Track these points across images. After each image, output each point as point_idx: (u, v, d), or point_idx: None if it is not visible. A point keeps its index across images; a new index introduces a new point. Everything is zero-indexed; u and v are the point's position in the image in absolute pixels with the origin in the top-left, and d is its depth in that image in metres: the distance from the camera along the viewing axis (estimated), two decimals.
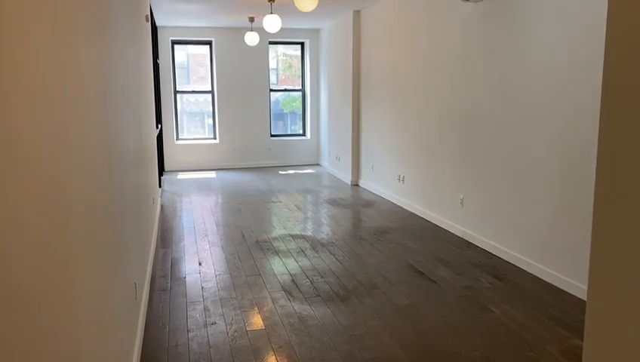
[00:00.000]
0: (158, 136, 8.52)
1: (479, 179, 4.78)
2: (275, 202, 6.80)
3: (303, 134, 10.41)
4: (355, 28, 7.69)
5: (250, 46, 9.18)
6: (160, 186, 7.72)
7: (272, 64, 10.52)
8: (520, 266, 4.21)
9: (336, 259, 4.49)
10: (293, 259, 4.48)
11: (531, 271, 4.08)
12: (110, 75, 2.44)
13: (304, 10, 4.66)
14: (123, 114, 2.95)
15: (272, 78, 10.49)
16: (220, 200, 6.93)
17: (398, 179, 6.52)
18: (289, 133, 10.51)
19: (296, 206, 6.55)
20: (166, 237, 5.24)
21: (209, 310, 3.46)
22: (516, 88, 4.20)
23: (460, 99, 5.06)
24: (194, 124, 10.33)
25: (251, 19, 8.13)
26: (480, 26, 4.68)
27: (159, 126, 8.33)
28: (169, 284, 3.95)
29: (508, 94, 4.32)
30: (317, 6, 7.16)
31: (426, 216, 5.80)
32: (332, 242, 4.98)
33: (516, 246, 4.28)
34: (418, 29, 5.87)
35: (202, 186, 8.01)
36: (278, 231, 5.43)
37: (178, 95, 9.80)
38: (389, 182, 6.82)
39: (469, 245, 4.84)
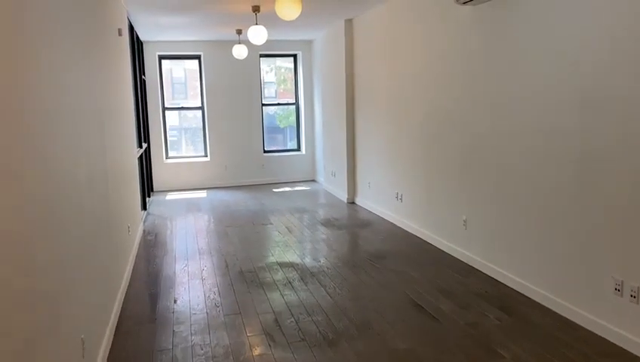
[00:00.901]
0: (145, 156, 8.14)
1: (484, 200, 4.35)
2: (265, 224, 6.38)
3: (298, 149, 10.02)
4: (347, 37, 7.31)
5: (240, 60, 8.82)
6: (145, 209, 7.31)
7: (269, 77, 10.16)
8: (530, 296, 3.77)
9: (327, 291, 4.05)
10: (278, 293, 4.04)
11: (543, 302, 3.64)
12: (44, 95, 2.04)
13: (286, 18, 4.28)
14: (68, 138, 2.55)
15: (270, 92, 10.12)
16: (207, 223, 6.51)
17: (397, 198, 6.09)
18: (283, 148, 10.11)
19: (287, 228, 6.13)
20: (142, 270, 4.81)
21: (177, 361, 3.02)
22: (520, 99, 3.79)
23: (460, 111, 4.65)
24: (186, 141, 9.94)
25: (239, 32, 7.76)
26: (478, 31, 4.28)
27: (144, 145, 7.95)
28: (137, 327, 3.51)
29: (511, 105, 3.91)
30: (307, 16, 6.81)
31: (426, 238, 5.36)
32: (323, 271, 4.55)
33: (525, 274, 3.84)
34: (413, 37, 5.48)
35: (190, 207, 7.60)
36: (265, 258, 5.01)
37: (168, 112, 9.42)
38: (387, 201, 6.40)
39: (473, 271, 4.40)
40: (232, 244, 5.50)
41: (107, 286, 3.43)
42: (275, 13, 6.20)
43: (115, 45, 4.89)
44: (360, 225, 6.21)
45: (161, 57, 9.13)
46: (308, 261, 4.86)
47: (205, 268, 4.73)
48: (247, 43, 8.37)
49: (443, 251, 4.99)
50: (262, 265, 4.76)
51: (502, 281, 4.10)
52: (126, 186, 5.07)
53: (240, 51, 7.64)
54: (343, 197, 7.72)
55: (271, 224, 6.38)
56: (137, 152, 6.80)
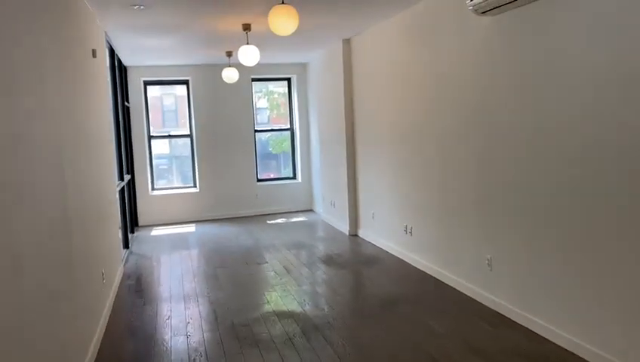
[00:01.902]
0: (129, 188, 7.53)
1: (512, 235, 3.76)
2: (260, 263, 5.73)
3: (294, 177, 9.43)
4: (345, 59, 6.81)
5: (231, 84, 8.29)
6: (127, 247, 6.66)
7: (262, 103, 9.65)
8: (576, 352, 3.15)
9: (334, 350, 3.42)
10: (277, 355, 3.39)
11: (592, 360, 3.02)
12: None
13: (281, 33, 3.74)
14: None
15: (263, 117, 9.59)
16: (194, 264, 5.86)
17: (405, 231, 5.49)
18: (278, 176, 9.52)
19: (284, 267, 5.49)
20: (118, 327, 4.15)
21: None
22: (550, 118, 3.24)
23: (480, 135, 4.09)
24: (175, 171, 9.34)
25: (229, 54, 7.25)
26: (501, 44, 3.76)
27: (127, 176, 7.33)
28: None
29: (540, 125, 3.35)
30: (302, 36, 6.30)
31: (442, 278, 4.75)
32: (328, 322, 3.91)
33: (567, 324, 3.23)
34: (422, 54, 4.96)
35: (177, 245, 6.95)
36: (260, 306, 4.36)
37: (154, 140, 8.83)
38: (394, 234, 5.79)
39: (503, 321, 3.78)
40: (222, 289, 4.86)
41: (67, 357, 2.78)
42: (267, 32, 5.68)
43: (89, 68, 4.32)
44: (365, 263, 5.59)
45: (146, 83, 8.59)
46: (310, 309, 4.23)
47: (191, 321, 4.08)
48: (237, 66, 7.85)
49: (463, 294, 4.37)
50: (257, 316, 4.11)
51: (541, 334, 3.48)
52: (102, 225, 4.45)
53: (230, 74, 7.11)
54: (344, 229, 7.11)
55: (266, 263, 5.74)
56: (119, 185, 6.19)
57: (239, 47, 5.53)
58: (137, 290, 5.01)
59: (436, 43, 4.66)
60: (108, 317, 4.22)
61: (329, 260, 5.72)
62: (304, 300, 4.48)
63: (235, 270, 5.50)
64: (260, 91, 9.64)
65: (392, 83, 5.61)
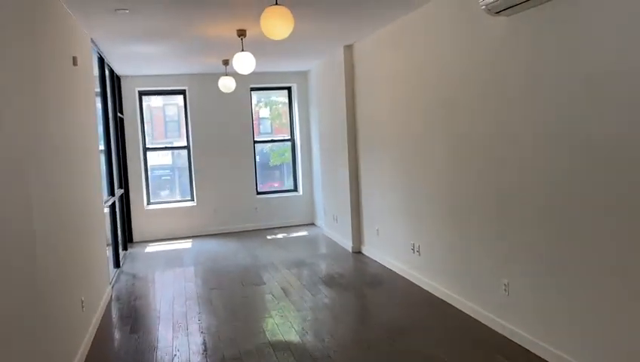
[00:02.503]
0: (122, 202, 7.20)
1: (532, 257, 3.38)
2: (257, 285, 5.36)
3: (295, 189, 9.07)
4: (347, 65, 6.47)
5: (229, 93, 7.96)
6: (118, 266, 6.30)
7: (262, 112, 9.32)
8: None
9: None
10: None
11: None
12: None
13: (275, 37, 3.40)
14: None
15: (266, 128, 9.27)
16: (188, 285, 5.49)
17: (413, 250, 5.11)
18: (278, 188, 9.16)
19: (283, 289, 5.11)
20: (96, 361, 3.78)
21: None
22: (575, 128, 2.88)
23: (496, 144, 3.73)
24: (172, 184, 9.00)
25: (225, 62, 6.93)
26: (517, 45, 3.40)
27: (120, 190, 6.99)
28: None
29: (564, 136, 2.99)
30: (301, 43, 5.98)
31: (456, 303, 4.36)
32: (328, 356, 3.53)
33: (597, 359, 2.84)
34: (430, 58, 4.61)
35: (172, 262, 6.59)
36: (255, 336, 3.98)
37: (150, 152, 8.51)
38: (401, 252, 5.41)
39: (523, 353, 3.39)
40: (215, 315, 4.49)
41: None
42: (264, 38, 5.35)
43: (68, 76, 3.99)
44: (370, 284, 5.20)
45: (141, 93, 8.27)
46: (309, 340, 3.84)
47: (178, 354, 3.70)
48: (235, 75, 7.53)
49: (478, 322, 3.98)
50: (250, 348, 3.73)
51: None
52: (83, 245, 4.11)
53: (227, 83, 6.78)
54: (347, 245, 6.74)
55: (264, 284, 5.36)
56: (108, 200, 5.85)
57: (233, 55, 5.20)
58: (124, 316, 4.65)
59: (446, 46, 4.30)
60: (88, 349, 3.85)
61: (331, 281, 5.34)
62: (303, 328, 4.10)
63: (231, 292, 5.13)
64: (261, 101, 9.32)
65: (398, 90, 5.26)
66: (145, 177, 8.33)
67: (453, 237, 4.36)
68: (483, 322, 3.94)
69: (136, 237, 8.12)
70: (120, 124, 7.84)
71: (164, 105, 9.15)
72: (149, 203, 8.40)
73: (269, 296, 4.95)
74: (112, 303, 4.99)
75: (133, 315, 4.63)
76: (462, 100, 4.10)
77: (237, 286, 5.34)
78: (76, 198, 3.99)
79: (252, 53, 5.18)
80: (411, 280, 5.14)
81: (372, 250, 6.21)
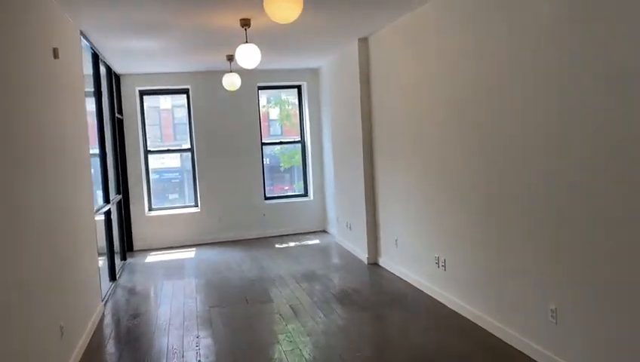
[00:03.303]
0: (121, 209, 6.74)
1: (587, 278, 2.83)
2: (263, 302, 4.84)
3: (305, 194, 8.55)
4: (361, 60, 5.93)
5: (235, 93, 7.46)
6: (114, 279, 5.82)
7: (274, 113, 8.84)
8: None
9: None
10: None
11: None
12: None
13: (280, 19, 2.89)
14: None
15: (276, 129, 8.78)
16: (187, 302, 4.98)
17: (437, 263, 4.57)
18: (287, 193, 8.63)
19: (292, 308, 4.59)
20: None
21: None
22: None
23: (544, 146, 3.18)
24: (177, 188, 8.52)
25: (229, 58, 6.42)
26: (570, 34, 2.85)
27: (117, 196, 6.51)
28: None
29: (624, 136, 2.44)
30: (312, 36, 5.47)
31: (489, 327, 3.80)
32: None
33: None
34: (458, 50, 4.07)
35: (172, 274, 6.10)
36: None
37: (153, 155, 8.04)
38: (423, 266, 4.87)
39: None
40: (214, 339, 3.97)
41: None
42: (270, 28, 4.85)
43: (48, 70, 3.51)
44: (389, 303, 4.66)
45: (142, 92, 7.80)
46: None
47: None
48: (241, 72, 7.04)
49: (518, 351, 3.42)
50: None
51: None
52: (68, 262, 3.62)
53: (232, 80, 6.29)
54: (362, 256, 6.19)
55: (270, 301, 4.84)
56: (102, 208, 5.38)
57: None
58: (114, 340, 4.15)
59: (479, 35, 3.76)
60: None
61: (345, 298, 4.81)
62: (314, 358, 3.57)
63: (234, 311, 4.61)
64: (272, 101, 8.83)
65: (420, 86, 4.72)
66: (146, 182, 7.86)
67: (486, 251, 3.80)
68: (525, 352, 3.37)
69: (136, 245, 7.64)
70: (119, 126, 7.38)
71: (173, 106, 8.72)
72: (150, 209, 7.92)
73: (275, 317, 4.42)
74: (103, 324, 4.49)
75: (123, 340, 4.13)
76: (498, 96, 3.55)
77: (241, 303, 4.82)
78: (57, 207, 3.51)
79: (257, 46, 4.67)
80: (436, 297, 4.59)
81: (390, 262, 5.67)
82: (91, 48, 5.39)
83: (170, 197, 8.30)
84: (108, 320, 4.60)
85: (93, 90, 5.58)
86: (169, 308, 4.83)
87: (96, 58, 5.59)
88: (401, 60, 5.07)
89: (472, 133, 3.90)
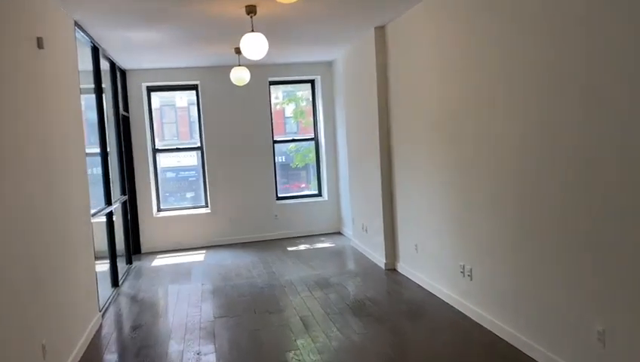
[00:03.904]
0: (126, 210, 6.45)
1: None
2: (272, 312, 4.47)
3: (319, 194, 8.17)
4: (378, 51, 5.53)
5: (245, 88, 7.13)
6: (117, 285, 5.51)
7: (290, 110, 8.48)
8: None
9: None
10: None
11: None
12: None
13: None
14: None
15: (292, 127, 8.41)
16: (191, 311, 4.64)
17: (462, 272, 4.15)
18: (300, 193, 8.25)
19: (302, 321, 4.21)
20: None
21: None
22: None
23: (591, 144, 2.75)
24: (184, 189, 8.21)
25: (237, 51, 6.06)
26: (619, 20, 2.42)
27: (121, 198, 6.21)
28: None
29: None
30: (325, 25, 5.08)
31: (520, 345, 3.38)
32: None
33: None
34: (491, 37, 3.64)
35: (178, 279, 5.78)
36: None
37: (162, 154, 7.74)
38: (446, 274, 4.45)
39: None
40: (216, 357, 3.62)
41: None
42: (279, 15, 4.48)
43: (31, 63, 3.18)
44: (408, 314, 4.26)
45: (149, 89, 7.50)
46: None
47: None
48: (251, 66, 6.69)
49: None
50: None
51: None
52: (59, 272, 3.31)
53: (240, 75, 5.93)
54: (379, 261, 5.80)
55: (281, 311, 4.47)
56: (102, 210, 5.08)
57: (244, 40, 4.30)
58: (108, 353, 3.83)
59: (516, 19, 3.33)
60: None
61: (361, 309, 4.42)
62: None
63: (240, 322, 4.26)
64: (287, 97, 8.46)
65: (444, 76, 4.30)
66: (154, 182, 7.56)
67: (519, 261, 3.38)
68: None
69: (144, 248, 7.35)
70: (125, 124, 7.09)
71: (189, 104, 8.43)
72: (159, 210, 7.62)
73: (285, 330, 4.05)
74: (98, 337, 4.17)
75: (117, 357, 3.80)
76: (538, 87, 3.13)
77: (248, 314, 4.47)
78: (42, 212, 3.18)
79: (265, 37, 4.29)
80: (460, 309, 4.18)
81: (409, 269, 5.26)
82: (90, 42, 5.09)
83: (188, 195, 8.01)
84: (105, 331, 4.28)
85: (94, 85, 5.28)
86: (171, 318, 4.50)
87: (96, 52, 5.28)
88: (423, 49, 4.65)
89: (505, 128, 3.48)
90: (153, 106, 7.57)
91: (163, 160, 7.82)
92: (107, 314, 4.68)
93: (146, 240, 7.36)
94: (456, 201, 4.18)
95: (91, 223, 4.42)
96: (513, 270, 3.46)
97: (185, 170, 8.11)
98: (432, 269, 4.71)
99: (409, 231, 5.23)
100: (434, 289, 4.67)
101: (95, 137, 5.33)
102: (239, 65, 6.03)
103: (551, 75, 2.96)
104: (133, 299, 5.16)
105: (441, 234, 4.49)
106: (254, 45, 4.16)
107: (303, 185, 8.40)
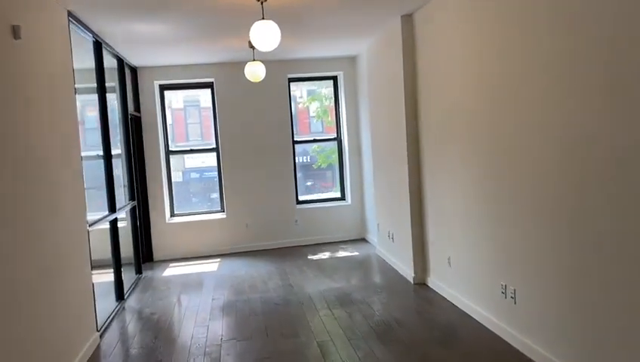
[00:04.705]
0: (135, 216, 6.07)
1: None
2: (286, 336, 3.98)
3: (342, 198, 7.65)
4: (405, 42, 4.98)
5: (263, 86, 6.69)
6: (121, 298, 5.11)
7: (313, 110, 8.01)
8: None
9: None
10: None
11: None
12: None
13: None
14: None
15: (317, 126, 7.92)
16: (198, 331, 4.19)
17: (503, 293, 3.59)
18: (322, 197, 7.75)
19: (320, 347, 3.71)
20: None
21: None
22: None
23: None
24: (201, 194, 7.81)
25: (251, 45, 5.58)
26: None
27: (129, 204, 5.82)
28: None
29: None
30: (346, 16, 4.58)
31: None
32: None
33: None
34: (540, 24, 3.08)
35: (188, 292, 5.35)
36: None
37: (177, 156, 7.35)
38: (484, 294, 3.89)
39: None
40: None
41: None
42: (295, 5, 3.99)
43: (5, 54, 2.77)
44: (441, 340, 3.71)
45: (163, 87, 7.10)
46: None
47: None
48: (269, 62, 6.24)
49: None
50: None
51: None
52: (42, 295, 2.89)
53: (254, 70, 5.47)
54: (407, 273, 5.25)
55: (295, 336, 3.98)
56: (107, 217, 4.70)
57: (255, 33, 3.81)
58: None
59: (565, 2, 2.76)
60: None
61: (387, 333, 3.89)
62: None
63: (249, 348, 3.78)
64: (310, 95, 7.97)
65: (482, 71, 3.74)
66: (168, 185, 7.16)
67: (577, 283, 2.81)
68: None
69: (157, 255, 6.96)
70: (136, 125, 6.71)
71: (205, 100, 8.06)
72: (172, 215, 7.23)
73: (299, 358, 3.56)
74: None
75: None
76: (597, 79, 2.55)
77: (259, 336, 3.99)
78: (26, 225, 2.77)
79: (278, 26, 3.80)
80: (500, 335, 3.62)
81: (441, 284, 4.71)
82: (92, 36, 4.69)
83: (212, 196, 7.62)
84: (102, 354, 3.86)
85: (97, 83, 4.89)
86: (176, 339, 4.06)
87: (98, 47, 4.88)
88: (457, 39, 4.09)
89: (557, 125, 2.91)
90: (176, 106, 7.19)
91: (187, 161, 7.47)
92: (107, 334, 4.26)
93: (159, 247, 6.97)
94: (497, 211, 3.62)
95: (88, 234, 4.00)
96: (567, 293, 2.88)
97: (208, 171, 7.72)
98: (468, 286, 4.16)
99: (440, 242, 4.67)
100: (470, 309, 4.12)
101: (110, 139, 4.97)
102: (254, 60, 5.56)
103: (608, 75, 2.38)
104: (138, 315, 4.74)
105: (479, 248, 3.93)
106: (265, 34, 3.67)
107: (330, 185, 7.88)
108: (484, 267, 3.86)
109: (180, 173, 7.72)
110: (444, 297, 4.58)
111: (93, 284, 4.05)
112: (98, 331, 4.09)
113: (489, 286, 3.79)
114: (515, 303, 3.47)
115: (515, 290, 3.46)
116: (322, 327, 4.09)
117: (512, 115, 3.34)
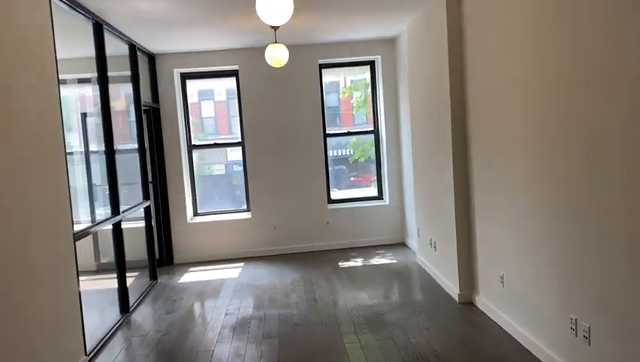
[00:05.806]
0: (151, 217, 5.57)
1: None
2: None
3: (380, 197, 6.92)
4: (451, 19, 4.20)
5: (291, 73, 6.07)
6: (127, 311, 4.60)
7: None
8: None
9: None
10: None
11: None
12: None
13: None
14: None
15: (361, 117, 7.19)
16: (204, 357, 3.60)
17: (573, 329, 2.80)
18: (357, 196, 7.02)
19: None
20: None
21: None
22: None
23: None
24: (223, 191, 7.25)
25: (275, 27, 4.94)
26: None
27: (142, 204, 5.30)
28: None
29: None
30: None
31: None
32: None
33: None
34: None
35: (202, 303, 4.81)
36: None
37: (198, 150, 6.82)
38: (547, 327, 3.10)
39: None
40: None
41: None
42: None
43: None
44: None
45: (184, 76, 6.56)
46: None
47: None
48: (297, 46, 5.57)
49: None
50: None
51: None
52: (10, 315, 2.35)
53: (276, 55, 4.82)
54: (452, 290, 4.49)
55: None
56: (110, 220, 4.18)
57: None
58: None
59: None
60: None
61: None
62: None
63: None
64: (352, 82, 7.24)
65: (548, 52, 2.93)
66: (190, 182, 6.64)
67: None
68: None
69: (177, 258, 6.46)
70: (154, 117, 6.21)
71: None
72: (195, 214, 6.71)
73: None
74: None
75: None
76: None
77: None
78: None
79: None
80: None
81: (492, 306, 3.92)
82: (92, 17, 4.16)
83: (237, 193, 7.10)
84: None
85: (98, 71, 4.37)
86: None
87: (99, 29, 4.35)
88: (518, 13, 3.28)
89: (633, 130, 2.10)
90: (199, 98, 6.66)
91: (230, 154, 6.96)
92: (99, 357, 3.73)
93: (180, 249, 6.47)
94: (565, 228, 2.82)
95: (73, 244, 3.46)
96: None
97: (236, 164, 7.17)
98: (526, 313, 3.37)
99: (492, 255, 3.89)
100: (527, 342, 3.33)
101: (126, 135, 4.44)
102: (275, 43, 4.90)
103: None
104: (139, 332, 4.19)
105: (540, 268, 3.13)
106: (274, 4, 3.00)
107: (373, 179, 7.12)
108: (547, 293, 3.07)
109: (223, 166, 7.20)
110: (495, 322, 3.80)
111: (80, 302, 3.51)
112: (87, 355, 3.56)
113: (554, 317, 3.00)
114: (589, 344, 2.67)
115: (589, 328, 2.66)
116: (345, 356, 3.40)
117: (589, 109, 2.53)
